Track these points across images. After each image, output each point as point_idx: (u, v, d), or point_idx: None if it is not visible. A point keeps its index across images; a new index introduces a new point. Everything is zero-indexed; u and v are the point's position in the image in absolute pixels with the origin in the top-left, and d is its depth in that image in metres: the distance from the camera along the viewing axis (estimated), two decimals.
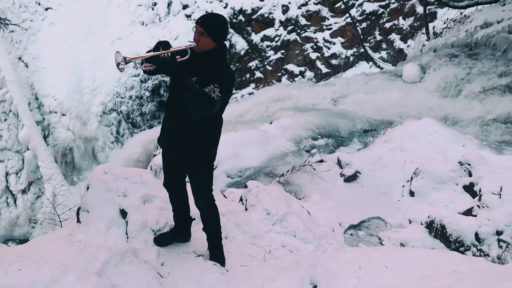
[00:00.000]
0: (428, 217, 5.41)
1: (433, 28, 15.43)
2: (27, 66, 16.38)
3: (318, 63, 17.60)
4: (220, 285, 3.86)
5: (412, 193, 6.06)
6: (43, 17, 17.57)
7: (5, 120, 15.52)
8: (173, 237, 4.31)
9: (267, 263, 4.37)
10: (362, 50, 16.73)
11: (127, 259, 3.79)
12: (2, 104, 15.48)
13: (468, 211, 5.35)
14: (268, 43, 17.87)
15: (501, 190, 5.14)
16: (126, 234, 4.40)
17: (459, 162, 5.91)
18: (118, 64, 3.18)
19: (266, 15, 17.76)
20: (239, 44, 17.91)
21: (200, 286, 3.85)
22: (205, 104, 3.31)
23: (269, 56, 17.91)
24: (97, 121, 16.15)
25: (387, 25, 17.10)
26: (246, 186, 5.86)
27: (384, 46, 17.07)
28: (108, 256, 3.72)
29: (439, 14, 15.72)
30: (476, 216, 5.15)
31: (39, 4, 17.70)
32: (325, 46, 17.62)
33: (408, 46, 16.19)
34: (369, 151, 7.85)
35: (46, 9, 17.78)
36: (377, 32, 17.27)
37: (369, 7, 17.36)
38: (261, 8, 17.78)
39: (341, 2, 16.94)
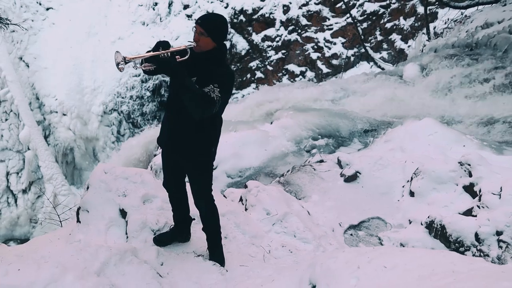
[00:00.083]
0: (428, 217, 5.41)
1: (434, 28, 15.44)
2: (28, 66, 16.41)
3: (319, 63, 17.62)
4: (220, 285, 3.86)
5: (412, 193, 6.06)
6: (44, 17, 17.60)
7: (6, 120, 15.55)
8: (172, 237, 4.31)
9: (267, 263, 4.37)
10: (363, 50, 16.74)
11: (127, 259, 3.79)
12: (3, 104, 15.51)
13: (468, 211, 5.35)
14: (269, 43, 17.89)
15: (501, 191, 5.14)
16: (126, 234, 4.40)
17: (459, 162, 5.91)
18: (117, 64, 3.18)
19: (267, 15, 17.78)
20: (240, 44, 17.93)
21: (200, 286, 3.85)
22: (204, 104, 3.31)
23: (270, 56, 17.93)
24: (97, 121, 16.18)
25: (388, 25, 17.11)
26: (246, 186, 5.86)
27: (384, 46, 17.08)
28: (108, 256, 3.73)
29: (440, 14, 15.73)
30: (476, 216, 5.15)
31: (40, 4, 17.73)
32: (325, 46, 17.64)
33: (408, 46, 16.20)
34: (370, 151, 7.84)
35: (47, 9, 17.82)
36: (377, 32, 17.28)
37: (370, 7, 17.38)
38: (262, 8, 17.79)
39: (342, 2, 16.95)
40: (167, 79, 15.26)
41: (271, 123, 9.47)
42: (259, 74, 17.91)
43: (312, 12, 17.75)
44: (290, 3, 17.82)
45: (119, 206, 4.58)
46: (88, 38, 17.44)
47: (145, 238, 4.30)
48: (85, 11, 17.90)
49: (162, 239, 4.29)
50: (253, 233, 4.83)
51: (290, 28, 17.80)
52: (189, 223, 4.31)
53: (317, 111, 9.84)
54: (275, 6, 17.82)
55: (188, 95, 3.30)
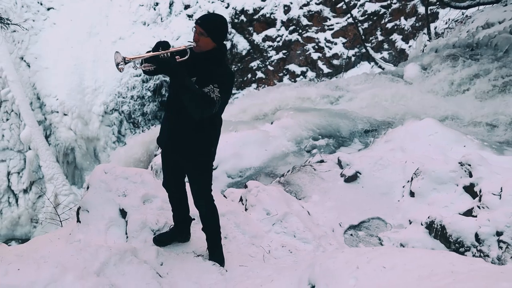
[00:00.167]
0: (428, 217, 5.41)
1: (435, 28, 15.43)
2: (29, 66, 16.43)
3: (320, 63, 17.61)
4: (219, 285, 3.86)
5: (412, 194, 6.05)
6: (45, 17, 17.63)
7: (7, 119, 15.57)
8: (172, 237, 4.32)
9: (267, 263, 4.38)
10: (364, 50, 16.74)
11: (127, 259, 3.80)
12: (4, 104, 15.53)
13: (468, 212, 5.34)
14: (270, 43, 17.89)
15: (501, 191, 5.13)
16: (126, 234, 4.41)
17: (459, 163, 5.90)
18: (117, 64, 3.18)
19: (267, 15, 17.78)
20: (241, 44, 17.93)
21: (199, 286, 3.86)
22: (204, 104, 3.31)
23: (271, 56, 17.93)
24: (98, 121, 16.19)
25: (389, 25, 17.11)
26: (246, 186, 5.86)
27: (385, 46, 17.07)
28: (108, 256, 3.73)
29: (441, 14, 15.74)
30: (476, 216, 5.14)
31: (41, 4, 17.75)
32: (326, 46, 17.64)
33: (409, 46, 16.19)
34: (370, 151, 7.84)
35: (48, 9, 17.84)
36: (378, 32, 17.28)
37: (371, 7, 17.37)
38: (262, 8, 17.80)
39: (343, 2, 16.95)
40: (168, 79, 15.27)
41: (272, 123, 9.46)
42: (260, 74, 17.92)
43: (313, 12, 17.76)
44: (291, 3, 17.82)
45: (119, 206, 4.58)
46: (89, 38, 17.46)
47: (145, 238, 4.31)
48: (86, 11, 17.92)
49: (162, 239, 4.29)
50: (253, 233, 4.83)
51: (291, 28, 17.81)
52: (189, 223, 4.31)
53: (318, 111, 9.84)
54: (276, 6, 17.82)
55: (188, 95, 3.30)
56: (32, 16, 17.20)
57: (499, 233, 4.78)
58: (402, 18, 16.94)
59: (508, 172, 5.64)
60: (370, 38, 17.31)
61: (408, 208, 5.90)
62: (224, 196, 5.88)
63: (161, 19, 17.86)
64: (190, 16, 17.58)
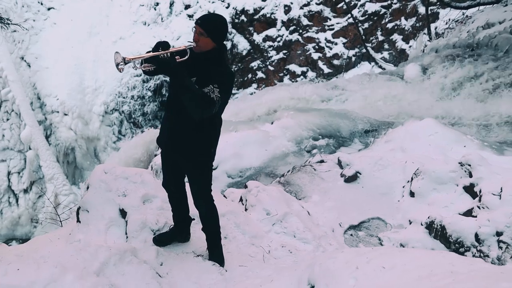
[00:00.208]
0: (428, 217, 5.41)
1: (435, 28, 15.42)
2: (29, 66, 16.44)
3: (320, 64, 17.61)
4: (219, 285, 3.87)
5: (412, 194, 6.05)
6: (45, 17, 17.63)
7: (7, 119, 15.57)
8: (172, 237, 4.32)
9: (266, 263, 4.38)
10: (364, 50, 16.73)
11: (126, 259, 3.80)
12: (5, 103, 15.53)
13: (468, 212, 5.34)
14: (270, 43, 17.89)
15: (501, 191, 5.13)
16: (126, 234, 4.41)
17: (459, 163, 5.90)
18: (117, 65, 3.19)
19: (268, 15, 17.78)
20: (241, 44, 17.93)
21: (199, 286, 3.86)
22: (204, 104, 3.31)
23: (271, 56, 17.93)
24: (99, 121, 16.20)
25: (389, 25, 17.10)
26: (246, 186, 5.86)
27: (386, 46, 17.07)
28: (107, 256, 3.73)
29: (441, 14, 15.73)
30: (476, 217, 5.14)
31: (41, 4, 17.76)
32: (327, 46, 17.64)
33: (410, 46, 16.18)
34: (370, 151, 7.84)
35: (49, 9, 17.85)
36: (379, 33, 17.27)
37: (371, 7, 17.36)
38: (263, 8, 17.79)
39: (343, 3, 16.94)
40: (168, 79, 15.29)
41: (272, 123, 9.46)
42: (260, 74, 17.91)
43: (313, 12, 17.75)
44: (292, 3, 17.82)
45: (119, 206, 4.58)
46: (90, 38, 17.46)
47: (145, 238, 4.31)
48: (87, 11, 17.92)
49: (161, 239, 4.29)
50: (253, 233, 4.83)
51: (291, 28, 17.80)
52: (188, 223, 4.31)
53: (318, 111, 9.84)
54: (276, 6, 17.82)
55: (187, 96, 3.30)
56: (32, 16, 17.20)
57: (499, 233, 4.77)
58: (402, 18, 16.93)
59: (508, 172, 5.64)
60: (371, 38, 17.31)
61: (408, 208, 5.90)
62: (224, 196, 5.88)
63: (162, 19, 17.86)
64: (190, 16, 17.58)
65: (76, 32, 17.32)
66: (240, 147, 8.36)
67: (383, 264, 2.93)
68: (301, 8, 17.79)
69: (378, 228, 5.78)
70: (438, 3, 14.95)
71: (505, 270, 2.82)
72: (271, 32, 17.86)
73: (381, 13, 17.30)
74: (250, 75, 17.91)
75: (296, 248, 4.81)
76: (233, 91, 17.08)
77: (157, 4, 18.08)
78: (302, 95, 11.70)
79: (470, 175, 5.71)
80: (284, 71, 17.84)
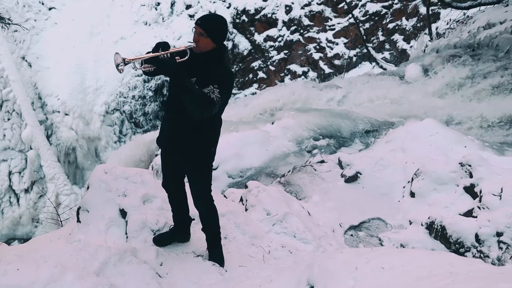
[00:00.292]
0: (429, 218, 5.40)
1: (436, 28, 15.41)
2: (30, 66, 16.44)
3: (321, 64, 17.60)
4: (219, 285, 3.87)
5: (412, 194, 6.05)
6: (46, 16, 17.63)
7: (9, 119, 15.57)
8: (172, 237, 4.32)
9: (266, 263, 4.38)
10: (365, 50, 16.72)
11: (126, 259, 3.81)
12: (6, 103, 15.53)
13: (469, 212, 5.34)
14: (271, 43, 17.89)
15: (501, 192, 5.13)
16: (126, 234, 4.42)
17: (460, 163, 5.90)
18: (117, 66, 3.19)
19: (269, 15, 17.78)
20: (242, 44, 17.93)
21: (199, 286, 3.86)
22: (204, 105, 3.32)
23: (272, 56, 17.92)
24: (100, 121, 16.19)
25: (390, 25, 17.09)
26: (246, 187, 5.86)
27: (387, 46, 17.06)
28: (107, 256, 3.74)
29: (442, 14, 15.71)
30: (476, 217, 5.14)
31: (42, 3, 17.77)
32: (328, 46, 17.63)
33: (411, 46, 16.17)
34: (371, 151, 7.84)
35: (50, 8, 17.85)
36: (380, 33, 17.27)
37: (372, 7, 17.35)
38: (264, 8, 17.79)
39: (344, 3, 16.93)
40: (168, 79, 15.28)
41: (272, 123, 9.47)
42: (261, 74, 17.91)
43: (314, 12, 17.75)
44: (293, 3, 17.81)
45: (119, 206, 4.59)
46: (91, 38, 17.46)
47: (145, 238, 4.31)
48: (88, 11, 17.92)
49: (161, 239, 4.30)
50: (253, 233, 4.84)
51: (292, 28, 17.80)
52: (188, 223, 4.32)
53: (319, 111, 9.84)
54: (277, 6, 17.81)
55: (187, 96, 3.31)
56: (33, 16, 17.21)
57: (499, 234, 4.77)
58: (403, 18, 16.92)
59: (509, 173, 5.64)
60: (372, 38, 17.30)
61: (409, 208, 5.89)
62: (225, 196, 5.89)
63: (163, 19, 17.86)
64: (191, 16, 17.58)
65: (77, 32, 17.32)
66: (240, 147, 8.37)
67: (382, 264, 2.93)
68: (302, 8, 17.79)
69: (379, 229, 5.78)
70: (439, 3, 14.93)
71: (504, 270, 2.81)
72: (272, 32, 17.86)
73: (382, 13, 17.29)
74: (251, 75, 17.91)
75: (296, 248, 4.82)
76: (234, 91, 17.10)
77: (158, 4, 18.09)
78: (303, 95, 11.70)
79: (471, 176, 5.71)
80: (285, 71, 17.83)
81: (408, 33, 16.62)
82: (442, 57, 11.52)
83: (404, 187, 6.26)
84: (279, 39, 17.84)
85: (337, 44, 17.59)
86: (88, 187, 4.83)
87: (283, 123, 9.30)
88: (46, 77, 16.22)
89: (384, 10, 17.29)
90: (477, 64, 10.82)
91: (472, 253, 4.86)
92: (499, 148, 7.69)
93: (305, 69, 17.73)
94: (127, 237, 4.38)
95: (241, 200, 5.69)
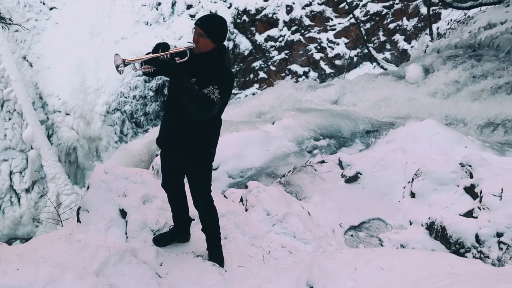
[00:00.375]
0: (429, 218, 5.40)
1: (437, 29, 15.39)
2: (31, 66, 16.45)
3: (322, 64, 17.59)
4: (218, 286, 3.87)
5: (413, 194, 6.05)
6: (47, 16, 17.64)
7: (9, 119, 15.58)
8: (172, 237, 4.33)
9: (266, 264, 4.38)
10: (366, 50, 16.72)
11: (126, 259, 3.81)
12: (7, 103, 15.54)
13: (469, 213, 5.34)
14: (272, 43, 17.88)
15: (502, 192, 5.13)
16: (126, 234, 4.42)
17: (460, 164, 5.90)
18: (117, 67, 3.19)
19: (270, 15, 17.77)
20: (243, 44, 17.92)
21: (198, 286, 3.86)
22: (204, 105, 3.32)
23: (273, 57, 17.92)
24: (101, 121, 16.20)
25: (391, 25, 17.08)
26: (246, 187, 5.87)
27: (388, 46, 17.05)
28: (107, 256, 3.74)
29: (443, 15, 15.70)
30: (476, 217, 5.14)
31: (43, 3, 17.77)
32: (329, 46, 17.62)
33: (411, 47, 16.16)
34: (371, 152, 7.84)
35: (51, 8, 17.85)
36: (381, 33, 17.26)
37: (373, 7, 17.34)
38: (265, 8, 17.78)
39: (345, 3, 16.92)
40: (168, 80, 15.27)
41: (273, 123, 9.47)
42: (262, 75, 17.90)
43: (315, 12, 17.74)
44: (293, 3, 17.80)
45: (119, 206, 4.59)
46: (92, 37, 17.47)
47: (145, 238, 4.32)
48: (89, 11, 17.92)
49: (161, 240, 4.30)
50: (253, 233, 4.84)
51: (293, 28, 17.79)
52: (188, 223, 4.32)
53: (319, 112, 9.84)
54: (278, 7, 17.80)
55: (187, 97, 3.31)
56: (34, 16, 17.21)
57: (499, 234, 4.77)
58: (404, 18, 16.91)
59: (509, 173, 5.64)
60: (372, 39, 17.29)
61: (409, 209, 5.90)
62: (225, 196, 5.89)
63: (164, 19, 17.85)
64: (192, 16, 17.58)
65: (78, 32, 17.33)
66: (241, 147, 8.37)
67: (382, 265, 2.93)
68: (303, 8, 17.78)
69: (379, 229, 5.78)
70: (440, 3, 14.92)
71: (503, 271, 2.81)
72: (273, 32, 17.85)
73: (383, 13, 17.28)
74: (252, 75, 17.90)
75: (296, 248, 4.82)
76: (235, 92, 17.10)
77: (159, 4, 18.09)
78: (304, 95, 11.70)
79: (471, 176, 5.71)
80: (286, 71, 17.82)
81: (409, 33, 16.61)
82: (443, 57, 11.52)
83: (404, 188, 6.26)
84: (280, 39, 17.84)
85: (338, 44, 17.58)
86: (88, 187, 4.83)
87: (283, 123, 9.30)
88: (47, 77, 16.23)
89: (385, 10, 17.28)
90: (478, 64, 10.82)
91: (472, 253, 4.86)
92: (499, 149, 7.69)
93: (306, 69, 17.73)
94: (127, 237, 4.38)
95: (241, 200, 5.70)
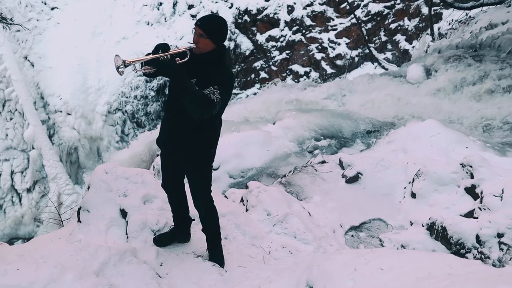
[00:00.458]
0: (429, 219, 5.40)
1: (438, 29, 15.38)
2: (33, 65, 16.46)
3: (323, 64, 17.58)
4: (218, 286, 3.87)
5: (413, 195, 6.04)
6: (49, 16, 17.66)
7: (11, 119, 15.60)
8: (172, 237, 4.33)
9: (266, 264, 4.38)
10: (367, 50, 16.71)
11: (126, 259, 3.81)
12: (8, 103, 15.56)
13: (470, 213, 5.33)
14: (273, 43, 17.87)
15: (502, 192, 5.12)
16: (126, 234, 4.42)
17: (461, 164, 5.89)
18: (117, 68, 3.20)
19: (271, 15, 17.77)
20: (244, 44, 17.92)
21: (199, 286, 3.87)
22: (204, 105, 3.32)
23: (274, 57, 17.91)
24: (102, 121, 16.20)
25: (392, 25, 17.07)
26: (247, 187, 5.87)
27: (389, 47, 17.03)
28: (107, 256, 3.74)
29: (444, 15, 15.67)
30: (477, 218, 5.13)
31: (45, 3, 17.79)
32: (330, 46, 17.61)
33: (413, 47, 16.14)
34: (372, 152, 7.84)
35: (52, 8, 17.87)
36: (382, 33, 17.24)
37: (374, 7, 17.32)
38: (266, 8, 17.78)
39: (346, 3, 16.91)
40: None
41: (274, 123, 9.47)
42: (263, 74, 17.90)
43: (317, 12, 17.73)
44: (295, 3, 17.80)
45: (120, 206, 4.60)
46: (93, 37, 17.47)
47: (145, 239, 4.32)
48: (90, 11, 17.94)
49: (162, 240, 4.30)
50: (254, 234, 4.84)
51: (295, 28, 17.79)
52: (189, 223, 4.32)
53: (320, 112, 9.84)
54: (279, 7, 17.80)
55: (188, 97, 3.31)
56: (36, 16, 17.23)
57: (500, 235, 4.76)
58: (405, 18, 16.89)
59: (510, 174, 5.64)
60: (374, 39, 17.28)
61: (409, 209, 5.89)
62: (225, 196, 5.89)
63: (165, 19, 17.86)
64: (193, 16, 17.57)
65: (80, 32, 17.34)
66: (242, 147, 8.37)
67: (381, 265, 2.93)
68: (304, 8, 17.77)
69: (379, 229, 5.78)
70: (441, 3, 14.90)
71: (503, 272, 2.81)
72: (274, 32, 17.85)
73: (384, 13, 17.27)
74: (253, 75, 17.90)
75: (296, 249, 4.82)
76: (236, 92, 17.09)
77: (160, 4, 18.09)
78: (305, 95, 11.70)
79: (472, 176, 5.70)
80: (287, 71, 17.82)
81: (410, 33, 16.60)
82: (444, 58, 11.51)
83: (405, 188, 6.25)
84: (281, 39, 17.83)
85: (339, 44, 17.57)
86: (88, 187, 4.84)
87: (284, 123, 9.30)
88: (48, 77, 16.24)
89: (386, 10, 17.27)
90: (479, 64, 10.80)
91: (473, 254, 4.86)
92: (500, 149, 7.69)
93: (307, 69, 17.72)
94: (127, 237, 4.38)
95: (242, 200, 5.70)
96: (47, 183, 15.05)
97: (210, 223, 4.05)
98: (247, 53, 17.88)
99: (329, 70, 17.45)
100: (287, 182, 6.68)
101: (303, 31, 17.77)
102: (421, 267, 2.86)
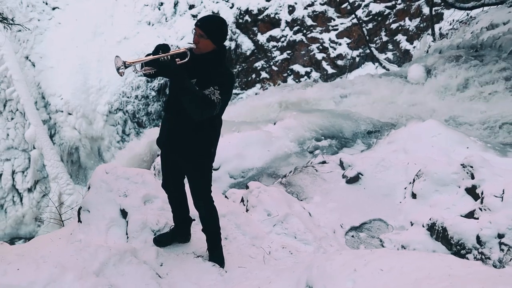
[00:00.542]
0: (430, 219, 5.40)
1: (439, 29, 15.36)
2: (34, 65, 16.47)
3: (324, 64, 17.57)
4: (218, 286, 3.87)
5: (414, 195, 6.04)
6: (50, 16, 17.67)
7: (12, 119, 15.62)
8: (173, 237, 4.33)
9: (267, 264, 4.38)
10: (368, 51, 16.70)
11: (126, 259, 3.81)
12: (9, 103, 15.57)
13: (470, 214, 5.33)
14: (274, 43, 17.87)
15: (503, 193, 5.12)
16: (126, 234, 4.42)
17: (461, 165, 5.89)
18: (118, 69, 3.20)
19: (272, 15, 17.76)
20: (245, 44, 17.91)
21: (199, 286, 3.87)
22: (205, 106, 3.32)
23: (275, 57, 17.90)
24: (103, 121, 16.21)
25: (393, 26, 17.05)
26: (247, 187, 5.87)
27: (390, 47, 17.02)
28: (107, 256, 3.74)
29: (445, 15, 15.65)
30: (478, 218, 5.13)
31: (46, 3, 17.80)
32: (331, 46, 17.60)
33: (414, 47, 16.12)
34: (373, 152, 7.83)
35: (53, 8, 17.88)
36: (383, 33, 17.23)
37: (375, 8, 17.31)
38: (267, 8, 17.77)
39: (347, 3, 16.90)
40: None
41: (274, 123, 9.47)
42: (264, 75, 17.90)
43: (318, 12, 17.72)
44: (296, 3, 17.79)
45: (120, 206, 4.60)
46: (94, 37, 17.48)
47: (145, 239, 4.32)
48: (91, 11, 17.95)
49: (162, 240, 4.30)
50: (254, 234, 4.84)
51: (295, 28, 17.78)
52: (189, 223, 4.32)
53: (321, 112, 9.84)
54: (280, 7, 17.80)
55: (188, 97, 3.31)
56: (37, 16, 17.24)
57: (500, 236, 4.76)
58: (406, 18, 16.87)
59: (511, 174, 5.62)
60: (375, 39, 17.27)
61: (410, 209, 5.89)
62: (226, 196, 5.89)
63: (166, 19, 17.86)
64: (194, 16, 17.57)
65: (81, 32, 17.35)
66: (242, 147, 8.37)
67: (381, 266, 2.93)
68: (305, 8, 17.76)
69: (380, 230, 5.77)
70: (442, 3, 14.88)
71: (503, 273, 2.81)
72: (275, 32, 17.84)
73: (385, 13, 17.25)
74: (254, 75, 17.90)
75: (296, 249, 4.82)
76: (237, 92, 17.09)
77: (162, 4, 18.10)
78: (305, 96, 11.70)
79: (472, 177, 5.70)
80: (288, 72, 17.81)
81: (411, 33, 16.58)
82: (445, 58, 11.50)
83: (405, 188, 6.25)
84: (282, 39, 17.83)
85: (340, 44, 17.56)
86: (89, 187, 4.84)
87: (285, 123, 9.30)
88: (49, 77, 16.25)
89: (387, 11, 17.25)
90: (480, 64, 10.79)
91: (473, 254, 4.86)
92: (501, 150, 7.68)
93: (308, 69, 17.71)
94: (127, 237, 4.38)
95: (242, 200, 5.70)
96: (48, 183, 15.06)
97: (210, 223, 4.05)
98: (248, 53, 17.87)
99: (330, 70, 17.44)
100: (288, 182, 6.68)
101: (304, 31, 17.76)
102: (420, 268, 2.86)
